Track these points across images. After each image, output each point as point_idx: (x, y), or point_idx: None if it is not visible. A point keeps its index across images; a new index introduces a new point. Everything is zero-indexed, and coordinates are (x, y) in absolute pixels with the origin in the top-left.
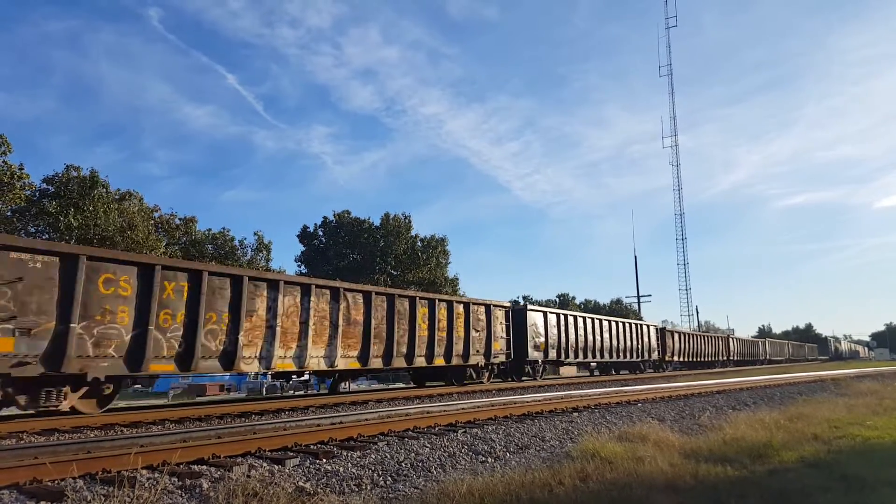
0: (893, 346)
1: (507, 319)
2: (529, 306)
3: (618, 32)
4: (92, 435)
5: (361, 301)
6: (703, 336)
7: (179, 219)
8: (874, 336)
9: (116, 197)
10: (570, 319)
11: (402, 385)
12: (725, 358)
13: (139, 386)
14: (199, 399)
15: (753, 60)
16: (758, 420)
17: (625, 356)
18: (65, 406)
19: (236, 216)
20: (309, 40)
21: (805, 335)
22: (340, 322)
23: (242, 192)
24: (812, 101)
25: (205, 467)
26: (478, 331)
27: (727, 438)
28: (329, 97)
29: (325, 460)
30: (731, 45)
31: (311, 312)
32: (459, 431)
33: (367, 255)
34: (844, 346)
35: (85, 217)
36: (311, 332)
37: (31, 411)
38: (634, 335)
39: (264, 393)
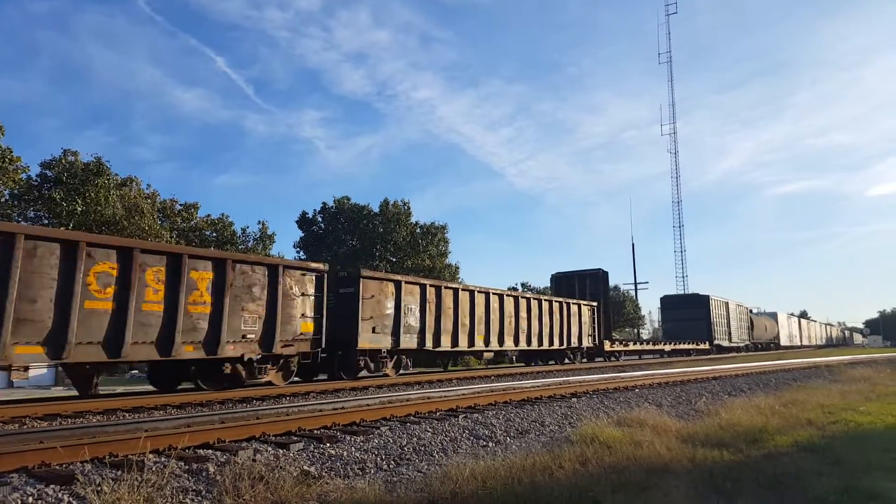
0: (887, 333)
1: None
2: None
3: (609, 17)
4: (94, 420)
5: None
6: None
7: (180, 205)
8: (867, 323)
9: (117, 182)
10: None
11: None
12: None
13: (136, 371)
14: None
15: (746, 47)
16: (753, 405)
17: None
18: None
19: (229, 200)
20: (298, 23)
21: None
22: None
23: (234, 176)
24: (804, 87)
25: (210, 451)
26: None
27: (723, 423)
28: (320, 81)
29: (328, 445)
30: (724, 30)
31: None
32: (460, 416)
33: (366, 241)
34: (788, 324)
35: (87, 203)
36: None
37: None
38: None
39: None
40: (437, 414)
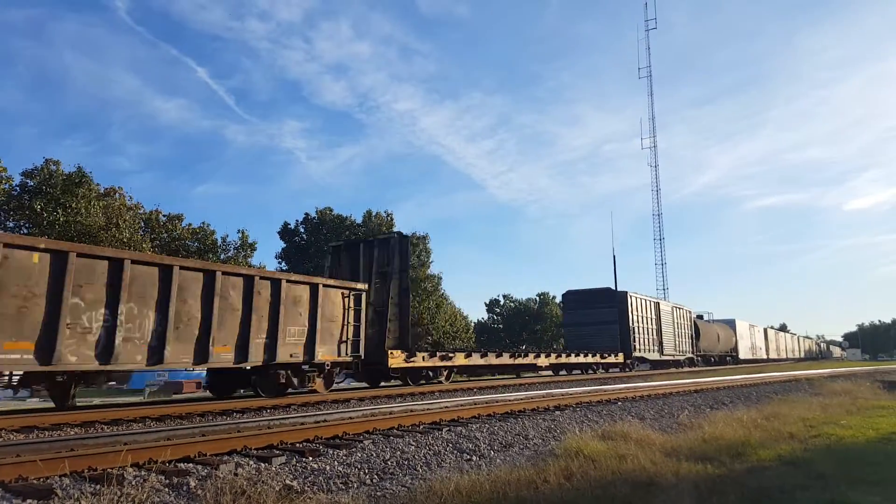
0: (865, 346)
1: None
2: None
3: (588, 31)
4: (73, 433)
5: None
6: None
7: (164, 216)
8: (846, 336)
9: (101, 192)
10: None
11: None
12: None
13: (114, 383)
14: (175, 397)
15: (723, 61)
16: (735, 419)
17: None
18: None
19: (209, 210)
20: (279, 34)
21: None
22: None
23: (214, 187)
24: (781, 102)
25: (191, 465)
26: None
27: (706, 437)
28: (301, 92)
29: (311, 458)
30: (701, 46)
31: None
32: (444, 430)
33: None
34: (750, 334)
35: (67, 214)
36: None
37: None
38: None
39: (241, 391)
40: (421, 427)
